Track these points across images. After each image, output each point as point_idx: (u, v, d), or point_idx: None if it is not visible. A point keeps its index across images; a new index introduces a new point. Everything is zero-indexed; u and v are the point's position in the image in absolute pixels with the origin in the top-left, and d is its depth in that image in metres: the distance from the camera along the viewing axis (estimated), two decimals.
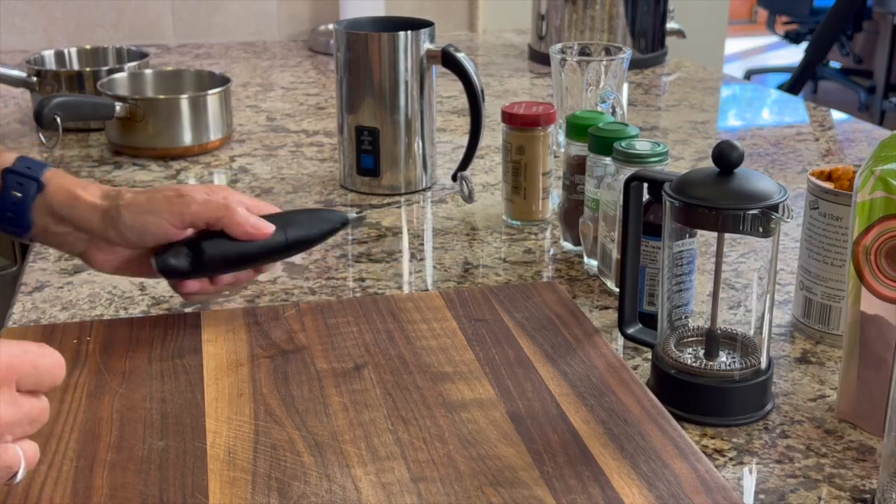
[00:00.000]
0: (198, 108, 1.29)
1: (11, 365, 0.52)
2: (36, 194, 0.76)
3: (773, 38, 5.63)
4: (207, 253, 0.77)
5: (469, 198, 1.12)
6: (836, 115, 1.57)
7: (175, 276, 0.78)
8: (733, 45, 5.20)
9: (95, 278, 0.94)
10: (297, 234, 0.80)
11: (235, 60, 1.86)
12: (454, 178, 1.14)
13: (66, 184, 0.78)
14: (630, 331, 0.79)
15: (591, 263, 0.96)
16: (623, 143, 0.87)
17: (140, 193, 0.77)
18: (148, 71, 1.43)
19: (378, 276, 0.95)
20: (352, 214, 0.86)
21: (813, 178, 0.81)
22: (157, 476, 0.62)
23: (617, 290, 0.87)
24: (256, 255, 0.79)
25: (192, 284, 0.78)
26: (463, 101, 1.57)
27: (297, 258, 0.99)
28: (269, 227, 0.77)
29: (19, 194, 0.76)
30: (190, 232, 0.77)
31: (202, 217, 0.75)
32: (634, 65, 1.75)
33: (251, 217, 0.77)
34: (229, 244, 0.77)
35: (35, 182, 0.77)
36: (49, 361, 0.55)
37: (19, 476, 0.53)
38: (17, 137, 1.37)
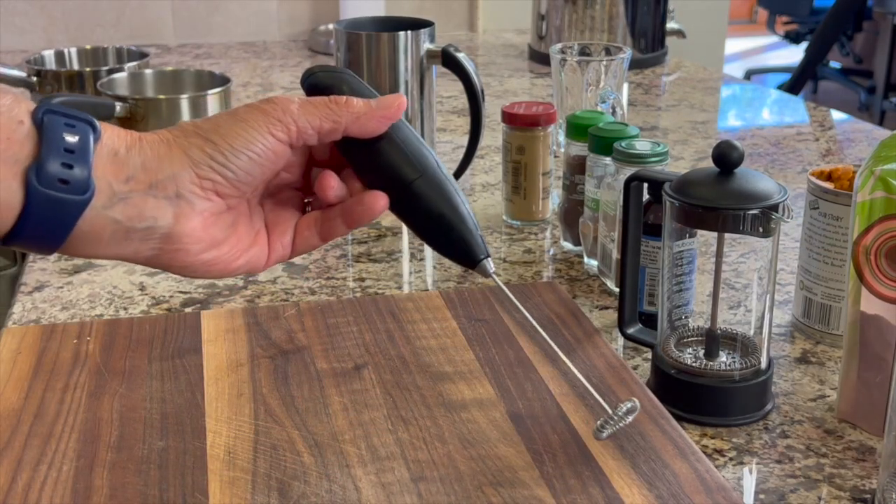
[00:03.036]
0: (198, 109, 1.29)
1: None
2: (95, 138, 0.51)
3: (773, 38, 5.64)
4: None
5: None
6: (836, 115, 1.57)
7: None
8: (733, 45, 5.20)
9: (95, 278, 0.94)
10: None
11: (235, 60, 1.86)
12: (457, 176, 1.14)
13: (118, 129, 0.53)
14: (630, 331, 0.79)
15: (591, 263, 0.96)
16: (623, 143, 0.87)
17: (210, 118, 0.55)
18: (148, 71, 1.43)
19: (378, 276, 0.95)
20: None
21: (813, 178, 0.81)
22: (157, 476, 0.62)
23: (617, 290, 0.87)
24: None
25: (332, 182, 0.57)
26: (463, 101, 1.57)
27: (297, 258, 0.99)
28: (398, 99, 0.57)
29: (74, 138, 0.49)
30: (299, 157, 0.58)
31: (313, 122, 0.54)
32: (634, 65, 1.75)
33: (370, 101, 0.56)
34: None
35: (87, 123, 0.51)
36: None
37: None
38: None
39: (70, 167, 0.48)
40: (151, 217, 0.51)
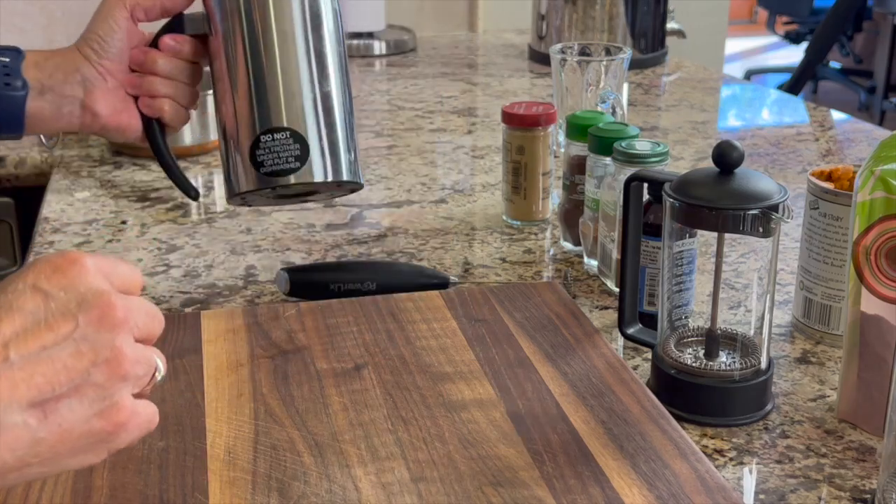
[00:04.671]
0: (198, 108, 1.28)
1: (93, 257, 0.51)
2: (21, 57, 0.77)
3: (773, 38, 5.64)
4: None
5: None
6: (836, 115, 1.57)
7: None
8: (733, 45, 5.19)
9: None
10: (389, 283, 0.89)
11: None
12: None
13: (38, 51, 0.79)
14: (630, 331, 0.79)
15: (591, 263, 0.96)
16: (623, 143, 0.87)
17: None
18: None
19: None
20: (453, 278, 0.92)
21: (813, 179, 0.81)
22: (157, 476, 0.62)
23: (617, 290, 0.87)
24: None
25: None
26: (463, 101, 1.58)
27: (297, 258, 0.99)
28: None
29: (6, 59, 0.76)
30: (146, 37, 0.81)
31: (142, 2, 0.79)
32: (634, 65, 1.75)
33: None
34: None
35: (13, 49, 0.78)
36: (127, 267, 0.54)
37: (159, 376, 0.53)
38: None
39: (7, 75, 0.76)
40: (71, 96, 0.78)
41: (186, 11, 0.80)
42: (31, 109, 0.77)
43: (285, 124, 0.75)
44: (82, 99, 0.78)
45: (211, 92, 1.29)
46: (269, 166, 0.75)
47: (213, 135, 1.30)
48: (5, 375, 0.46)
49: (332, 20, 0.78)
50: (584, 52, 1.28)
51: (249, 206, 0.83)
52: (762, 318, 0.72)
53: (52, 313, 0.47)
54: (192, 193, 0.83)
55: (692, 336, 0.76)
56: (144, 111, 0.80)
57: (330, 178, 0.77)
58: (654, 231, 0.80)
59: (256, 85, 0.76)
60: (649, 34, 1.81)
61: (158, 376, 0.53)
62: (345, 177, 0.77)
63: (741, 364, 0.72)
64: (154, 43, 0.79)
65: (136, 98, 0.80)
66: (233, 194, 0.78)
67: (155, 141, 0.81)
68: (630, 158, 0.85)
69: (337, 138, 0.77)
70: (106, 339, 0.48)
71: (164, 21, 0.81)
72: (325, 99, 0.77)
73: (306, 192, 0.80)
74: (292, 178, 0.76)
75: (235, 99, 0.77)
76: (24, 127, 0.78)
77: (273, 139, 0.75)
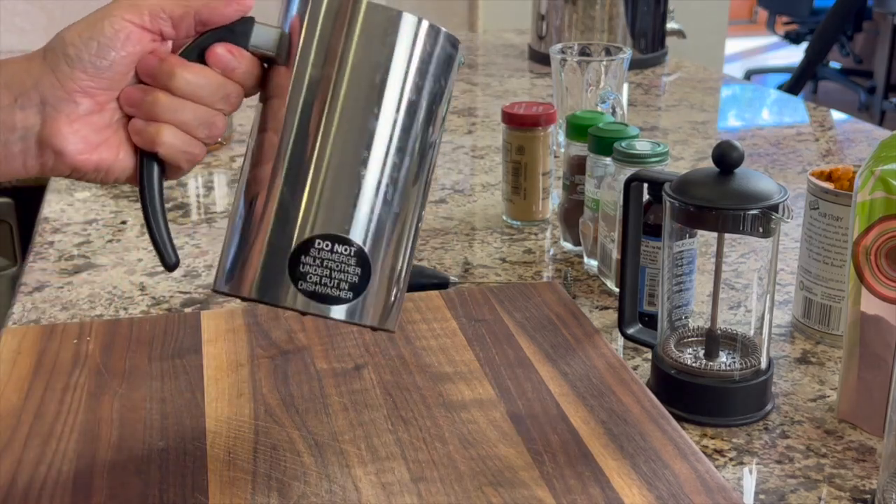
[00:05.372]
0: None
1: None
2: None
3: (773, 38, 5.64)
4: None
5: None
6: (836, 115, 1.57)
7: None
8: (733, 45, 5.20)
9: (95, 278, 0.94)
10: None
11: None
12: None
13: None
14: (630, 331, 0.79)
15: (591, 263, 0.96)
16: (623, 143, 0.87)
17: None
18: None
19: None
20: (453, 278, 0.89)
21: (813, 179, 0.81)
22: (157, 476, 0.62)
23: (617, 290, 0.87)
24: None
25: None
26: (463, 101, 1.58)
27: None
28: None
29: None
30: (169, 44, 0.55)
31: (165, 4, 0.54)
32: (634, 65, 1.75)
33: None
34: None
35: None
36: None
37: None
38: None
39: None
40: (22, 128, 0.53)
41: (259, 19, 0.57)
42: None
43: (355, 238, 0.55)
44: (38, 131, 0.53)
45: None
46: (311, 283, 0.54)
47: None
48: None
49: (446, 114, 0.60)
50: (584, 52, 1.28)
51: (240, 300, 0.59)
52: (762, 318, 0.72)
53: None
54: (169, 262, 0.57)
55: (692, 336, 0.76)
56: (138, 142, 0.55)
57: (376, 324, 0.57)
58: (654, 231, 0.80)
59: (336, 166, 0.54)
60: (649, 34, 1.81)
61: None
62: (392, 326, 0.58)
63: (741, 364, 0.72)
64: (187, 51, 0.55)
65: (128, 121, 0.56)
66: (234, 291, 0.55)
67: (148, 186, 0.56)
68: (630, 158, 0.85)
69: (401, 274, 0.58)
70: None
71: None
72: (406, 219, 0.57)
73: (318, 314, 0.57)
74: (334, 312, 0.55)
75: (293, 169, 0.54)
76: None
77: (331, 251, 0.55)
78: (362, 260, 0.55)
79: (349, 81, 0.54)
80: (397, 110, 0.55)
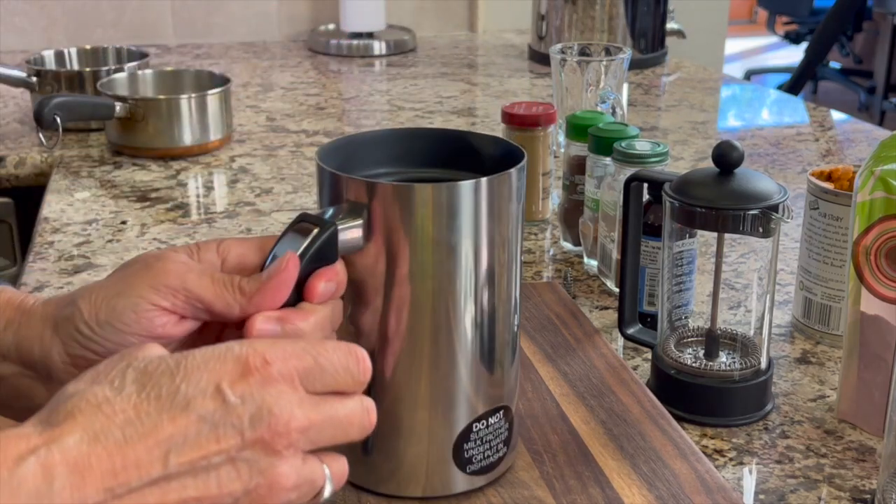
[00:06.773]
0: (198, 108, 1.29)
1: (285, 358, 0.44)
2: None
3: (773, 39, 5.64)
4: None
5: None
6: (836, 115, 1.57)
7: None
8: (733, 45, 5.20)
9: (95, 278, 0.94)
10: None
11: (235, 60, 1.86)
12: None
13: (6, 298, 0.54)
14: (630, 331, 0.79)
15: (591, 263, 0.96)
16: (623, 144, 0.87)
17: (99, 282, 0.53)
18: (148, 71, 1.43)
19: None
20: None
21: (813, 179, 0.81)
22: None
23: (617, 290, 0.87)
24: None
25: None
26: (463, 101, 1.58)
27: None
28: (291, 263, 0.50)
29: None
30: (189, 325, 0.51)
31: (205, 297, 0.50)
32: (634, 65, 1.75)
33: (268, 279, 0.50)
34: None
35: None
36: (337, 357, 0.46)
37: (326, 493, 0.46)
38: (16, 137, 1.37)
39: None
40: (27, 397, 0.53)
41: (330, 210, 0.52)
42: None
43: (504, 400, 0.56)
44: (43, 393, 0.52)
45: (211, 92, 1.30)
46: (477, 463, 0.55)
47: (213, 135, 1.30)
48: (159, 486, 0.41)
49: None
50: (583, 52, 1.28)
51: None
52: (762, 318, 0.72)
53: (224, 423, 0.42)
54: None
55: (692, 336, 0.76)
56: None
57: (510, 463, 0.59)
58: (654, 231, 0.80)
59: (483, 342, 0.53)
60: (649, 34, 1.81)
61: (326, 492, 0.46)
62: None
63: (741, 364, 0.72)
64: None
65: None
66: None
67: None
68: (630, 158, 0.85)
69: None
70: (266, 463, 0.43)
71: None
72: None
73: None
74: (497, 471, 0.58)
75: (424, 360, 0.52)
76: None
77: (487, 425, 0.55)
78: (508, 414, 0.58)
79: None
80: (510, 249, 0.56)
